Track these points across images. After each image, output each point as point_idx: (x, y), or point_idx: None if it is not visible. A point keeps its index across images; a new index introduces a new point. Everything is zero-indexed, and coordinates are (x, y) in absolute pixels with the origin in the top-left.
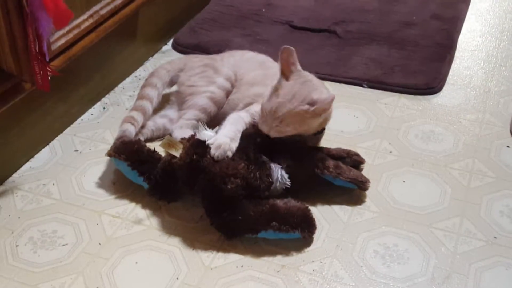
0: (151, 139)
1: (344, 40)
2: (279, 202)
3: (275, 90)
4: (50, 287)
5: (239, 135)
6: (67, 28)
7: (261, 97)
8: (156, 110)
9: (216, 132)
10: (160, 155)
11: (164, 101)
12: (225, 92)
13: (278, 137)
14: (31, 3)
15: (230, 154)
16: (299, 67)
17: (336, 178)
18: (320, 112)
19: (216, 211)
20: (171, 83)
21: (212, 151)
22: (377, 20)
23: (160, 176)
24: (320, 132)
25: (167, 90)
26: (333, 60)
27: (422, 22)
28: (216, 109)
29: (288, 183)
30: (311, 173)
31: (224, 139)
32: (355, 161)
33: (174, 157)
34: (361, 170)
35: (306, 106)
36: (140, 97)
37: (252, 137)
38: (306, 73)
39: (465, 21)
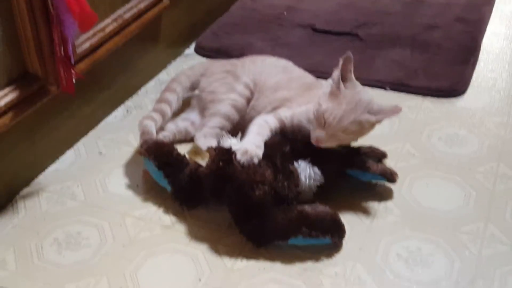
0: (173, 142)
1: (367, 43)
2: (307, 208)
3: (334, 97)
4: None
5: (263, 143)
6: (91, 32)
7: (288, 101)
8: (178, 113)
9: (240, 140)
10: (188, 161)
11: (185, 104)
12: (245, 99)
13: (322, 147)
14: (56, 6)
15: (256, 160)
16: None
17: (365, 172)
18: (380, 122)
19: (244, 219)
20: (192, 88)
21: (239, 157)
22: (400, 23)
23: (186, 182)
24: None
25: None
26: (356, 63)
27: (445, 25)
28: (239, 117)
29: (322, 179)
30: (339, 170)
31: (250, 145)
32: (379, 154)
33: (201, 165)
34: None
35: (367, 115)
36: (160, 100)
37: (279, 146)
38: (356, 81)
39: (489, 23)
